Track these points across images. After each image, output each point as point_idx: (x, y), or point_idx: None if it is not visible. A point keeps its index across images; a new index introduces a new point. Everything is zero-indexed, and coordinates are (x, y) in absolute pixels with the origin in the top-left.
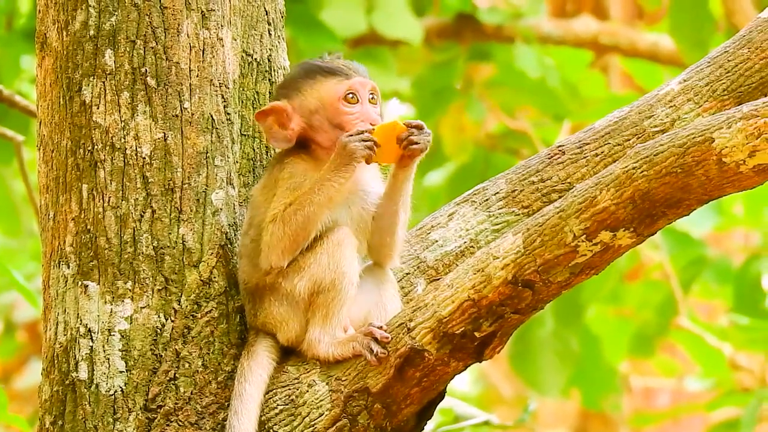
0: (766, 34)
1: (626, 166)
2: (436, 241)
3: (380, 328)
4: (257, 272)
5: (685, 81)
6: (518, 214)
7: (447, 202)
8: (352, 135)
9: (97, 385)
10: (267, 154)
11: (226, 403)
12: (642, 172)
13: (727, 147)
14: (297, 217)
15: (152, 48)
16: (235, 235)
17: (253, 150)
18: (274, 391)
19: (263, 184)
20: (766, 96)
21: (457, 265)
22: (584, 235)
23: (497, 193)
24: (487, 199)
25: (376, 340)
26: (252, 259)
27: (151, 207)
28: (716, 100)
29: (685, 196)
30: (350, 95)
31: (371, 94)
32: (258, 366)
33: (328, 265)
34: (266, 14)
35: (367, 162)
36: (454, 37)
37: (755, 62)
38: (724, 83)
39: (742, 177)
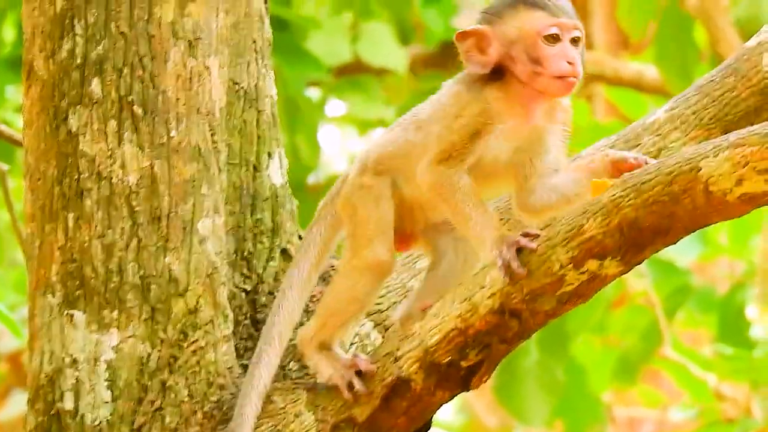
0: (753, 63)
1: (613, 195)
2: (424, 270)
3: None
4: None
5: (671, 109)
6: None
7: None
8: (509, 247)
9: (82, 416)
10: (254, 182)
11: None
12: (629, 200)
13: (713, 176)
14: (455, 205)
15: (139, 76)
16: (221, 263)
17: (240, 179)
18: (260, 421)
19: (456, 93)
20: (752, 125)
21: (444, 294)
22: (571, 264)
23: None
24: None
25: (359, 373)
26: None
27: (138, 236)
28: (703, 128)
29: (672, 225)
30: (552, 32)
31: (575, 35)
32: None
33: (354, 287)
34: (254, 43)
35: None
36: (438, 65)
37: (742, 91)
38: (710, 112)
39: (728, 206)
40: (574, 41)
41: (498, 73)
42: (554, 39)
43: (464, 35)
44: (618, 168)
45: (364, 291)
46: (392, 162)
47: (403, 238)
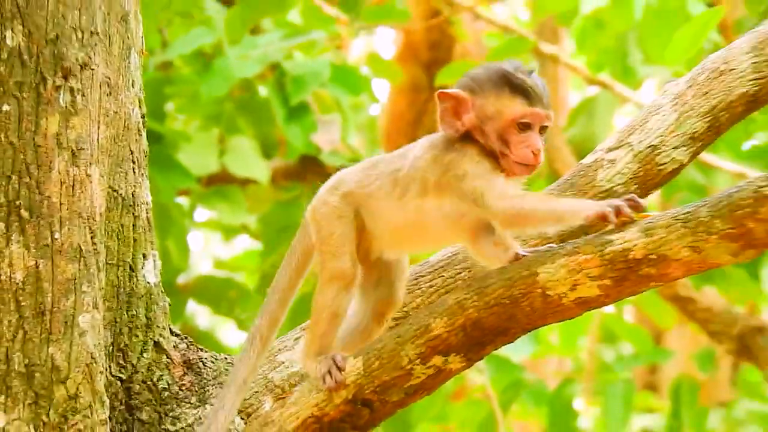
0: (589, 178)
1: (458, 297)
2: (283, 363)
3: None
4: None
5: None
6: None
7: (291, 327)
8: (625, 203)
9: None
10: (130, 281)
11: None
12: (473, 302)
13: (551, 281)
14: (536, 212)
15: (26, 183)
16: (99, 354)
17: (117, 278)
18: None
19: (433, 158)
20: (587, 234)
21: (301, 385)
22: (419, 359)
23: None
24: None
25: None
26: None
27: (23, 328)
28: (542, 237)
29: (511, 325)
30: (525, 121)
31: (545, 124)
32: None
33: (324, 296)
34: (131, 154)
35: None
36: (298, 177)
37: None
38: None
39: (564, 308)
40: (543, 128)
41: (468, 137)
42: (526, 127)
43: (446, 96)
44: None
45: (332, 298)
46: (360, 198)
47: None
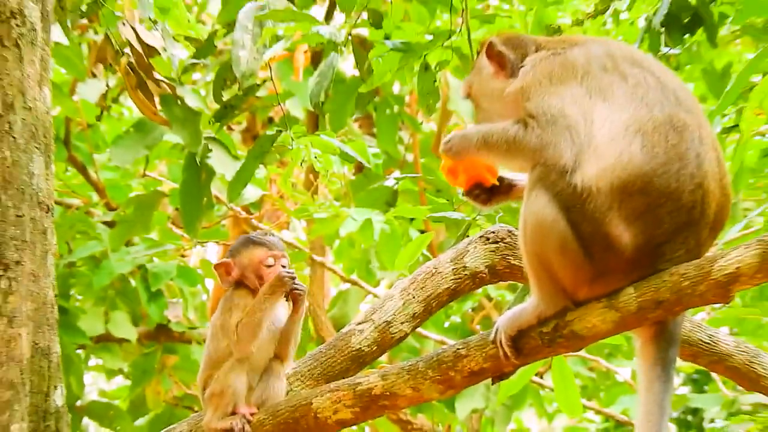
0: (346, 342)
1: (259, 417)
2: None
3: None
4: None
5: (295, 368)
6: None
7: None
8: (288, 274)
9: None
10: (45, 403)
11: None
12: (269, 421)
13: (320, 408)
14: (247, 328)
15: None
16: None
17: (37, 400)
18: None
19: (220, 313)
20: (344, 377)
21: None
22: None
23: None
24: None
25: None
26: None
27: None
28: (314, 380)
29: None
30: (269, 260)
31: (283, 261)
32: None
33: (222, 381)
34: (47, 320)
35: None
36: (155, 338)
37: (338, 358)
38: (319, 370)
39: (328, 427)
40: (283, 266)
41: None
42: (271, 263)
43: (218, 265)
44: None
45: (234, 380)
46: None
47: None
